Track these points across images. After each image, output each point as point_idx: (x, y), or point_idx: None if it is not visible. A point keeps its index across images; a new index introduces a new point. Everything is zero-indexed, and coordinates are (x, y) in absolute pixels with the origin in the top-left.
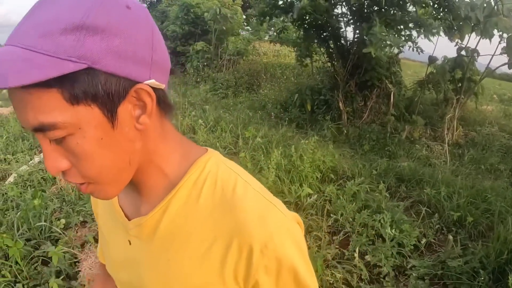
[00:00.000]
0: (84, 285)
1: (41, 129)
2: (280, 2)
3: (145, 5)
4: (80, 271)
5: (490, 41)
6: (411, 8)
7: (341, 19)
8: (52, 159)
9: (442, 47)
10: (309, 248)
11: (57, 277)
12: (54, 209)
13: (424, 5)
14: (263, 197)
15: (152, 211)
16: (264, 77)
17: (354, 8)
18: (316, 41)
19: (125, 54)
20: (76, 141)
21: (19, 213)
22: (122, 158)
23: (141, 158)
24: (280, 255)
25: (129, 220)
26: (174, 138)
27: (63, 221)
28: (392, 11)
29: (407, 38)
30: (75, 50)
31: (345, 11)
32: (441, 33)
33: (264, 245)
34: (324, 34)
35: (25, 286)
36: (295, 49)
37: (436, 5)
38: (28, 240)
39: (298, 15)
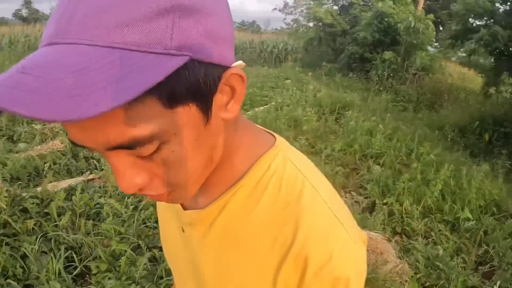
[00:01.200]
0: None
1: (130, 146)
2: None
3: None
4: None
5: None
6: None
7: None
8: (129, 176)
9: None
10: (452, 268)
11: None
12: None
13: None
14: (329, 210)
15: (209, 206)
16: (447, 98)
17: None
18: (505, 70)
19: (218, 36)
20: (171, 149)
21: None
22: (207, 156)
23: (219, 146)
24: (335, 280)
25: (184, 209)
26: (244, 126)
27: None
28: None
29: None
30: (172, 39)
31: None
32: None
33: (319, 267)
34: None
35: None
36: (482, 75)
37: None
38: None
39: (486, 42)
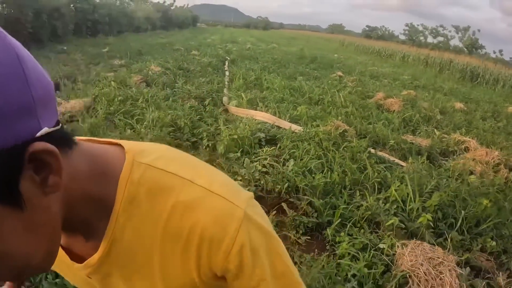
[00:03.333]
0: None
1: None
2: None
3: None
4: None
5: None
6: None
7: None
8: None
9: None
10: None
11: None
12: None
13: None
14: (208, 191)
15: (100, 248)
16: None
17: None
18: None
19: (6, 108)
20: None
21: None
22: (45, 232)
23: (63, 210)
24: (240, 249)
25: (80, 261)
26: (88, 164)
27: None
28: None
29: None
30: None
31: None
32: None
33: (223, 247)
34: None
35: None
36: None
37: None
38: None
39: None
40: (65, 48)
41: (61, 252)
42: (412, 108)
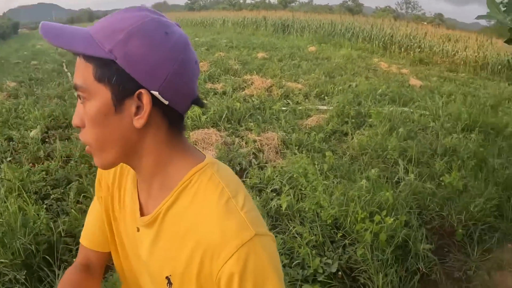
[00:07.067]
0: None
1: (75, 87)
2: None
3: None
4: None
5: None
6: None
7: None
8: (76, 113)
9: None
10: None
11: None
12: None
13: None
14: (239, 213)
15: (154, 211)
16: None
17: None
18: None
19: (142, 63)
20: (88, 105)
21: None
22: (113, 138)
23: (145, 154)
24: (231, 275)
25: (142, 214)
26: (180, 147)
27: None
28: None
29: None
30: (110, 45)
31: None
32: None
33: (223, 261)
34: None
35: None
36: None
37: None
38: None
39: None
40: None
41: (132, 206)
42: (216, 66)
